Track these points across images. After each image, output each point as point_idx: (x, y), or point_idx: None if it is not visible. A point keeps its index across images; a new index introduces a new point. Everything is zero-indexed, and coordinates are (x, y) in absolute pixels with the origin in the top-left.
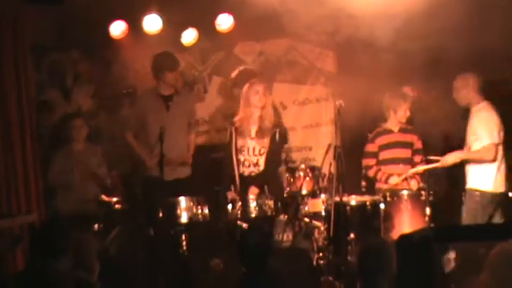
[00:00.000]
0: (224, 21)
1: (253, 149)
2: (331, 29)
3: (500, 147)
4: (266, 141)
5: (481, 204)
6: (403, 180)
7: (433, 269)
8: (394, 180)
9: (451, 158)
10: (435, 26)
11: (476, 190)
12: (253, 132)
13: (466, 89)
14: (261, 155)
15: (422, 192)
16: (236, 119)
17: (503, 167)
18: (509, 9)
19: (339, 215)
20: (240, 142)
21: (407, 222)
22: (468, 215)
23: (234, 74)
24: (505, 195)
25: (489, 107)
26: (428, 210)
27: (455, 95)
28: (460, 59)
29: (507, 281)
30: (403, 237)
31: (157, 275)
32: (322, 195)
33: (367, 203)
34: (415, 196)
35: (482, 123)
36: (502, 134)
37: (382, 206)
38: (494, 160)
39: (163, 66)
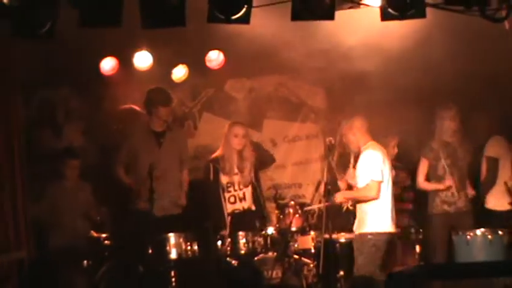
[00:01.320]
0: (214, 58)
1: (238, 184)
2: (321, 65)
3: (387, 186)
4: (247, 174)
5: (368, 246)
6: None
7: None
8: None
9: (338, 198)
10: (425, 59)
11: (368, 233)
12: (235, 168)
13: (351, 132)
14: (246, 187)
15: (412, 230)
16: (215, 155)
17: (389, 206)
18: (497, 39)
19: (328, 252)
20: (224, 179)
21: (397, 259)
22: (365, 259)
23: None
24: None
25: (374, 146)
26: (418, 248)
27: (344, 140)
28: (449, 90)
29: None
30: (393, 275)
31: None
32: (312, 232)
33: None
34: (404, 234)
35: (364, 162)
36: (389, 172)
37: None
38: (376, 198)
39: (157, 101)
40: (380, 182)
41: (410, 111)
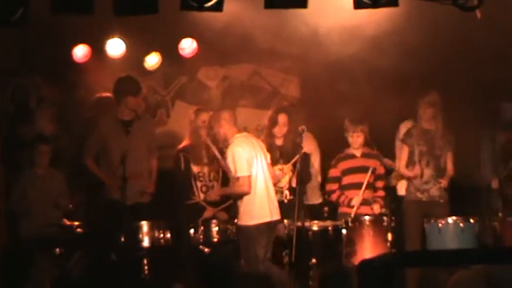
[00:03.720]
0: (187, 46)
1: (209, 175)
2: (296, 53)
3: (259, 178)
4: (216, 167)
5: (251, 238)
6: (365, 204)
7: None
8: (356, 201)
9: (212, 195)
10: (403, 43)
11: (243, 226)
12: (205, 157)
13: (218, 124)
14: (216, 180)
15: (384, 218)
16: (183, 145)
17: (264, 196)
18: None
19: (301, 240)
20: (195, 169)
21: (369, 247)
22: (244, 250)
23: None
24: (277, 222)
25: (240, 139)
26: (390, 236)
27: (211, 131)
28: (428, 75)
29: None
30: (365, 263)
31: None
32: (285, 220)
33: (329, 228)
34: (377, 222)
35: (231, 157)
36: (260, 163)
37: (344, 231)
38: (248, 192)
39: (126, 90)
40: (249, 176)
41: (386, 98)
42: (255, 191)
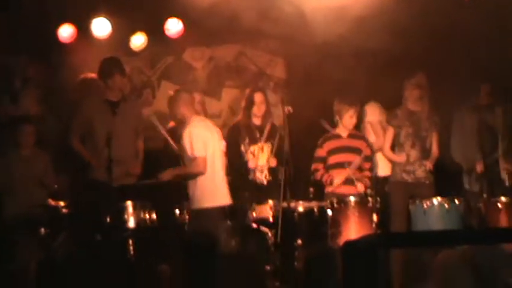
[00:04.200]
0: (173, 26)
1: None
2: (282, 33)
3: (217, 160)
4: None
5: (212, 222)
6: (349, 184)
7: (378, 276)
8: (337, 181)
9: (166, 175)
10: (387, 30)
11: (203, 209)
12: None
13: (176, 105)
14: None
15: (370, 199)
16: (172, 125)
17: (220, 179)
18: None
19: (286, 221)
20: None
21: (354, 228)
22: (202, 235)
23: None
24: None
25: (197, 121)
26: (375, 217)
27: (171, 112)
28: (418, 54)
29: None
30: (349, 244)
31: (104, 280)
32: (270, 201)
33: (315, 209)
34: (362, 203)
35: (188, 137)
36: (217, 146)
37: (329, 212)
38: (203, 173)
39: (110, 71)
40: (205, 157)
41: (373, 79)
42: (214, 173)
